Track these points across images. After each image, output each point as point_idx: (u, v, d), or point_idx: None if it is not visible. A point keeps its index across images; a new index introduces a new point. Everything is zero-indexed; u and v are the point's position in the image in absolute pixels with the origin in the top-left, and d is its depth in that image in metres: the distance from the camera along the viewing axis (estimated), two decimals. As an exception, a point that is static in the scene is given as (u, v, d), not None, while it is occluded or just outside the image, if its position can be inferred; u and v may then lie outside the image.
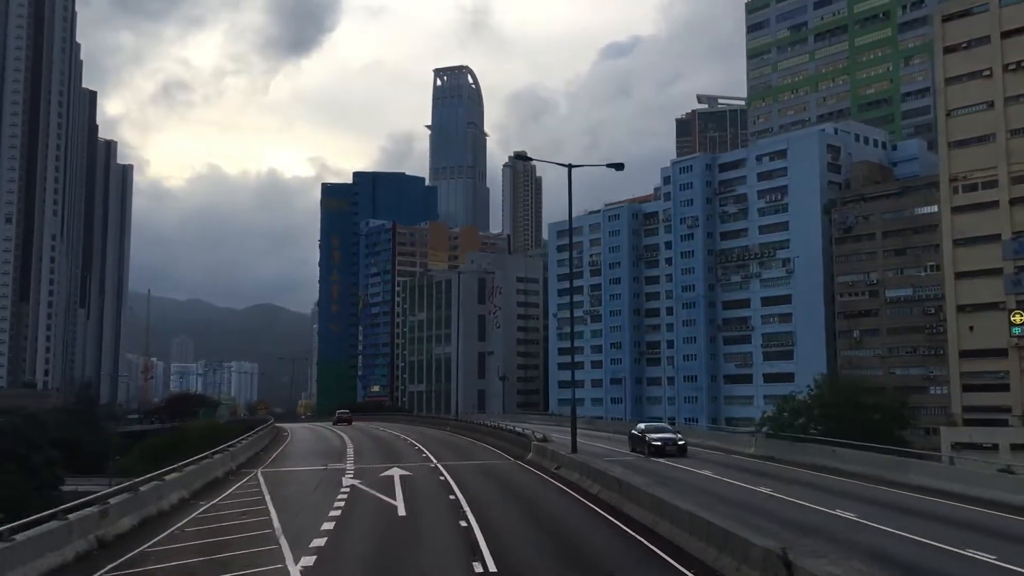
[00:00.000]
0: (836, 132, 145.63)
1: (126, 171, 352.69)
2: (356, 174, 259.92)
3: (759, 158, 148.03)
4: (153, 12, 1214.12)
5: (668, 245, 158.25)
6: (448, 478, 34.39)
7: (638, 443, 47.27)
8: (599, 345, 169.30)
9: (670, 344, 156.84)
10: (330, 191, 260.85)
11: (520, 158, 47.00)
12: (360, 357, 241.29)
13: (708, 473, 37.04)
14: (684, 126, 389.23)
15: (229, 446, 42.04)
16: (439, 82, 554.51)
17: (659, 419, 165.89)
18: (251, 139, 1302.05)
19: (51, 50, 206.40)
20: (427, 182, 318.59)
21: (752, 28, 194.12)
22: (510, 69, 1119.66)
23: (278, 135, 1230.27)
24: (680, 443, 45.46)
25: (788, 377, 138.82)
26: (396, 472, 36.78)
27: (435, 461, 42.72)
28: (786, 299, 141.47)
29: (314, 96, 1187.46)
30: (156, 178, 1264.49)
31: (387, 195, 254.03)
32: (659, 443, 45.18)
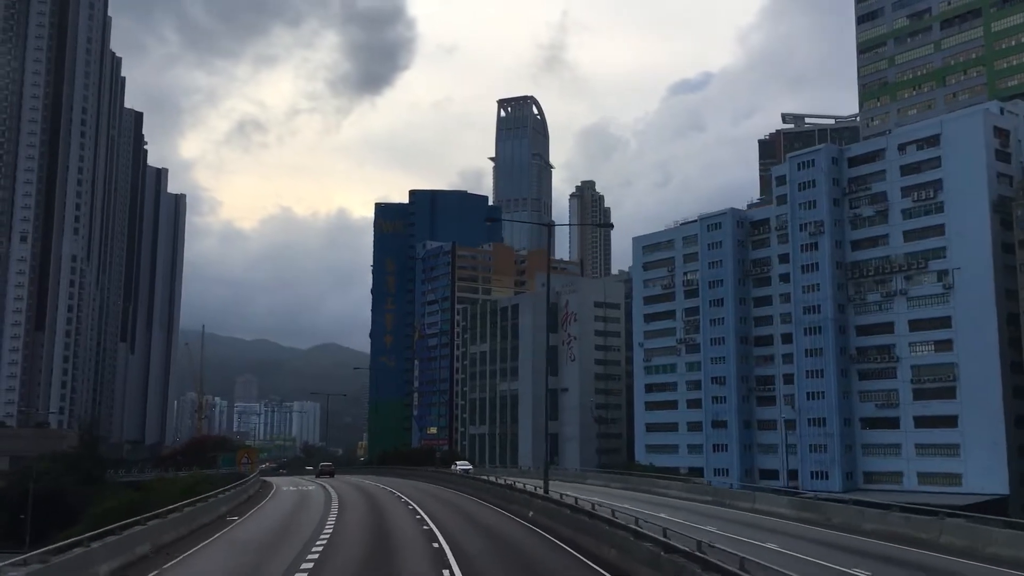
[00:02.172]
0: (1002, 112, 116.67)
1: (178, 201, 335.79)
2: (413, 192, 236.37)
3: (902, 147, 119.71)
4: (225, 50, 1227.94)
5: (783, 258, 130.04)
6: None
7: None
8: (697, 380, 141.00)
9: (788, 379, 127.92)
10: (385, 212, 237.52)
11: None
12: (415, 395, 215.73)
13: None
14: (768, 148, 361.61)
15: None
16: (503, 113, 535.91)
17: (774, 473, 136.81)
18: (322, 179, 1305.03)
19: (73, 58, 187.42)
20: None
21: (863, 19, 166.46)
22: (581, 106, 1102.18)
23: (348, 174, 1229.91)
24: None
25: (949, 421, 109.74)
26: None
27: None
28: (944, 322, 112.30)
29: (385, 134, 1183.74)
30: (229, 219, 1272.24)
31: (447, 216, 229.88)
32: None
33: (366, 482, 70.64)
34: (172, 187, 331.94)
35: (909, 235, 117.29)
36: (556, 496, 34.09)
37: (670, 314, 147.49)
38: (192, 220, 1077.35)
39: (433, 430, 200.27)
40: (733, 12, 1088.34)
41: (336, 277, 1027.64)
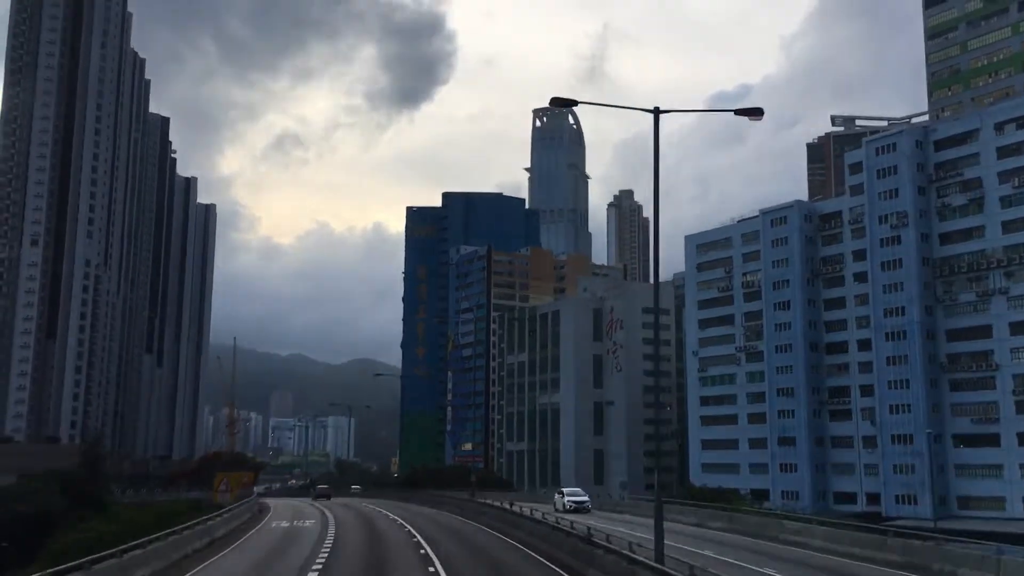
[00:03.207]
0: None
1: (208, 211, 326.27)
2: (446, 195, 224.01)
3: (999, 126, 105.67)
4: (262, 65, 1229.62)
5: (859, 255, 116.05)
6: None
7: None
8: (759, 392, 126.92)
9: (866, 391, 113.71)
10: (417, 216, 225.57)
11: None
12: (449, 409, 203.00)
13: None
14: (816, 152, 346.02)
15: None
16: (538, 123, 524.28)
17: (851, 497, 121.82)
18: (359, 194, 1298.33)
19: (88, 52, 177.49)
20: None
21: (932, 1, 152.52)
22: (618, 118, 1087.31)
23: (385, 189, 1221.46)
24: None
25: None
26: None
27: None
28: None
29: (422, 148, 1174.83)
30: (267, 235, 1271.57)
31: (481, 220, 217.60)
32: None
33: (380, 515, 57.39)
34: (211, 202, 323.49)
35: (1009, 225, 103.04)
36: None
37: (728, 319, 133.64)
38: (232, 236, 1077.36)
39: (468, 446, 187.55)
40: (776, 22, 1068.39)
41: (372, 292, 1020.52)
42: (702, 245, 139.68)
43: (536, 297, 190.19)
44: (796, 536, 38.24)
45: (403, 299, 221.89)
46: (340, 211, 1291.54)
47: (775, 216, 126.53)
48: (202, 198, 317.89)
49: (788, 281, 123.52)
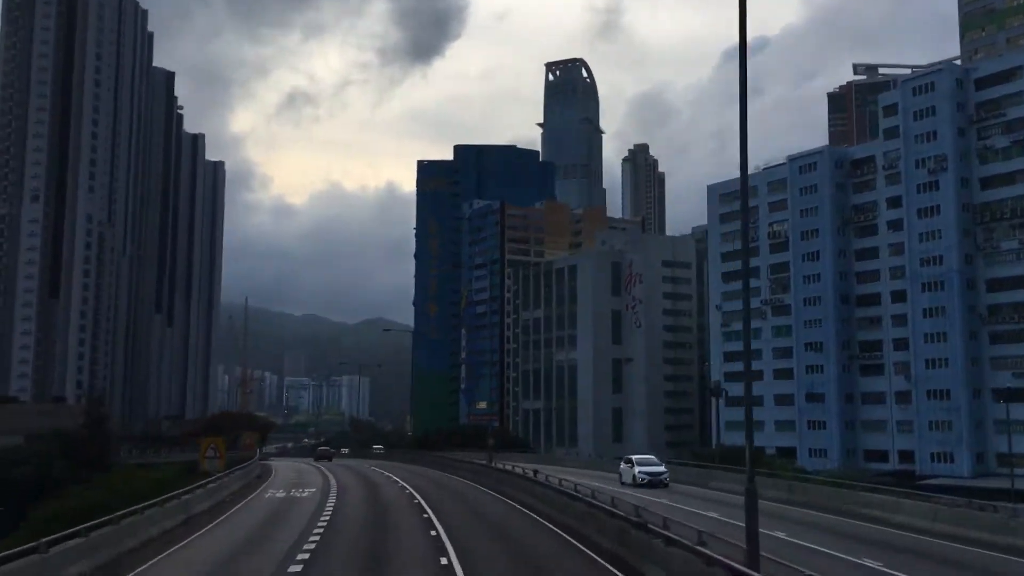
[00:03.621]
0: None
1: (217, 168, 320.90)
2: (458, 148, 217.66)
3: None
4: (272, 21, 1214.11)
5: (894, 202, 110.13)
6: None
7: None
8: (786, 347, 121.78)
9: (900, 344, 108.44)
10: (427, 169, 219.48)
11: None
12: (463, 367, 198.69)
13: None
14: (838, 101, 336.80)
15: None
16: (551, 77, 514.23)
17: (882, 455, 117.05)
18: (371, 152, 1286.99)
19: (86, 9, 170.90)
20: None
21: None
22: (632, 74, 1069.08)
23: (397, 146, 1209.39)
24: None
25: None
26: None
27: None
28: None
29: (434, 105, 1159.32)
30: (280, 194, 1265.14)
31: (494, 173, 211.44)
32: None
33: (390, 480, 52.51)
34: (220, 160, 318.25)
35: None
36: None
37: (752, 272, 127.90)
38: (245, 196, 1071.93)
39: (482, 405, 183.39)
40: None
41: (386, 252, 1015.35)
42: (725, 195, 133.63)
43: (551, 252, 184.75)
44: (882, 512, 31.24)
45: (414, 255, 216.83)
46: (352, 170, 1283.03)
47: (803, 163, 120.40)
48: (214, 158, 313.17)
49: (817, 231, 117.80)
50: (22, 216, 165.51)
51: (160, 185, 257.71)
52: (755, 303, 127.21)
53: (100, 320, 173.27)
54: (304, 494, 40.37)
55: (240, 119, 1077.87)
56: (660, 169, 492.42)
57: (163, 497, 27.57)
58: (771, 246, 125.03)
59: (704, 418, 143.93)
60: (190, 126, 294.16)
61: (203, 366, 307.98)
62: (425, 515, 31.38)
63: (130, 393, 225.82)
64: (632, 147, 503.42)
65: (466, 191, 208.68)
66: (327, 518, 30.34)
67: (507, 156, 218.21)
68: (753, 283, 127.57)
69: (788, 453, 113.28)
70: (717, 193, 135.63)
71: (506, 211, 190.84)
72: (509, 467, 43.77)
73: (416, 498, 38.37)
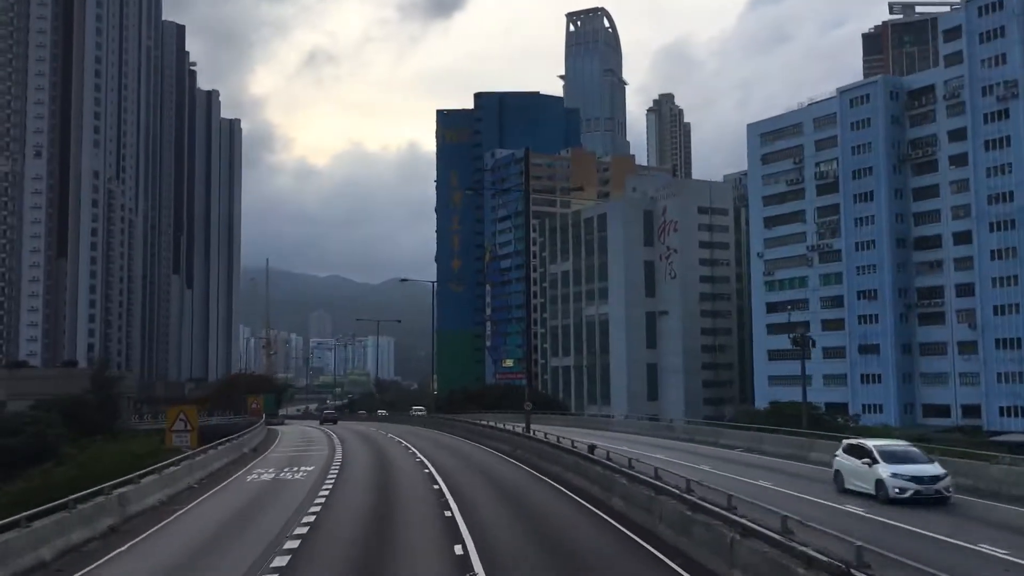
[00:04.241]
0: None
1: (233, 126, 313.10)
2: (478, 95, 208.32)
3: None
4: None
5: (956, 135, 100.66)
6: None
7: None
8: (835, 296, 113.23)
9: (963, 290, 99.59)
10: (447, 119, 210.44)
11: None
12: (488, 324, 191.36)
13: None
14: (873, 42, 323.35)
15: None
16: (572, 28, 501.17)
17: (944, 410, 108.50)
18: (393, 111, 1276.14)
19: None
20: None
21: None
22: (655, 25, 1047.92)
23: (419, 105, 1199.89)
24: None
25: None
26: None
27: None
28: None
29: (454, 61, 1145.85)
30: (302, 156, 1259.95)
31: (517, 121, 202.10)
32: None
33: (407, 453, 44.07)
34: (238, 119, 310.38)
35: None
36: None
37: (798, 216, 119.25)
38: (267, 158, 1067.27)
39: (509, 363, 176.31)
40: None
41: (408, 211, 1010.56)
42: (767, 134, 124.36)
43: (578, 202, 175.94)
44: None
45: (435, 209, 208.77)
46: (374, 129, 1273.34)
47: (855, 95, 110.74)
48: (235, 119, 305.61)
49: (871, 169, 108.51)
50: (25, 172, 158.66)
51: (173, 142, 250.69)
52: (800, 250, 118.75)
53: (112, 281, 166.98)
54: (297, 476, 32.51)
55: (261, 81, 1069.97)
56: (686, 119, 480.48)
57: (84, 492, 19.89)
58: (818, 187, 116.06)
59: (744, 374, 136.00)
60: (209, 88, 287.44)
61: (225, 328, 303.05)
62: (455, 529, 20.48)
63: (150, 356, 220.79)
64: (656, 97, 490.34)
65: (488, 141, 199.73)
66: (310, 521, 21.64)
67: (530, 103, 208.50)
68: (798, 228, 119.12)
69: (840, 409, 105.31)
70: (757, 132, 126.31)
71: (530, 160, 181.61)
72: (553, 438, 35.39)
73: (443, 493, 26.53)
